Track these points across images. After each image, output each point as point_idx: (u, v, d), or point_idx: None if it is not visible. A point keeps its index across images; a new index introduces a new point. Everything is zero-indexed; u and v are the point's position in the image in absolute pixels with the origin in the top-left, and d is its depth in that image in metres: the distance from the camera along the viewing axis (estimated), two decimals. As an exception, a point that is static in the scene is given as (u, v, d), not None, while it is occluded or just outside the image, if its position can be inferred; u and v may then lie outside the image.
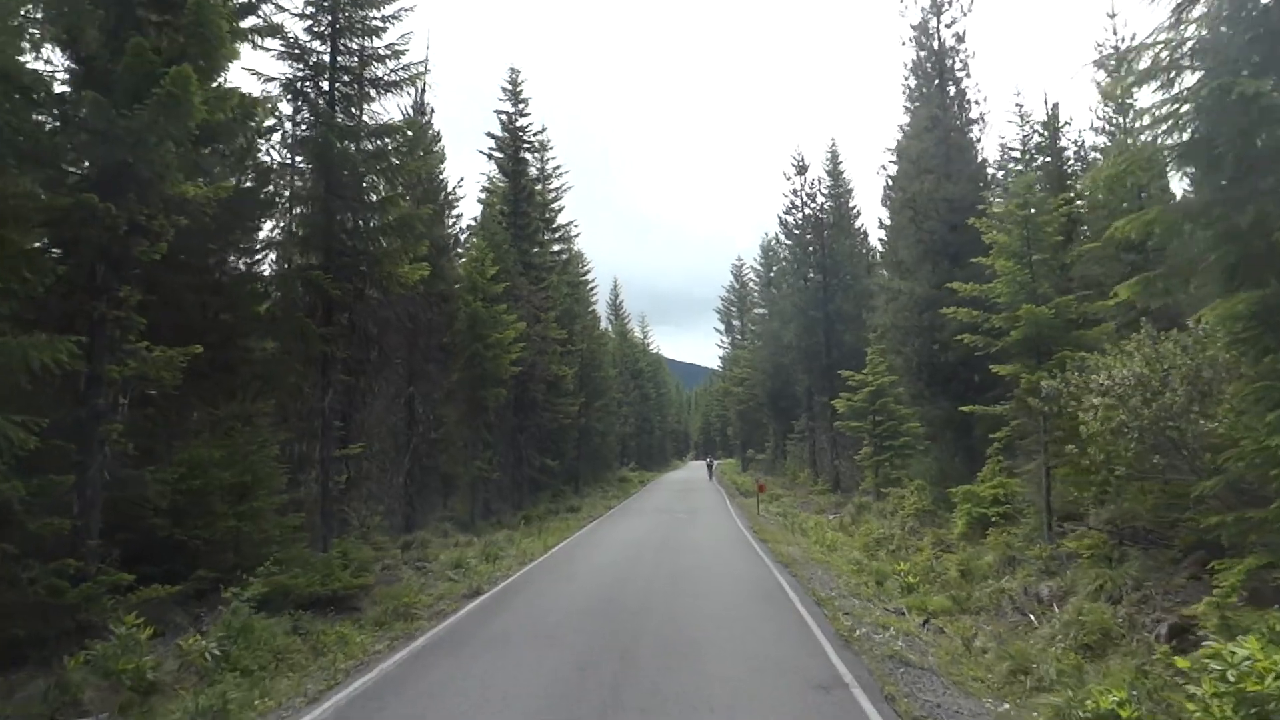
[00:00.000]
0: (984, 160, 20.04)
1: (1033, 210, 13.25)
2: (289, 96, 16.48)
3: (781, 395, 48.46)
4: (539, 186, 42.30)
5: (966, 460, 18.46)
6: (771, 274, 62.16)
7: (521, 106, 38.15)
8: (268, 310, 14.76)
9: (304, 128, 16.50)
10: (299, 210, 16.69)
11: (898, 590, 12.51)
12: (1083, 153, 18.40)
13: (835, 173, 41.06)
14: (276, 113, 15.98)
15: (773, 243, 63.42)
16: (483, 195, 36.80)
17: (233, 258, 16.05)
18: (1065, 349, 12.30)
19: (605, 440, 54.82)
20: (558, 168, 45.08)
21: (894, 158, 35.17)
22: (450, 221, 28.27)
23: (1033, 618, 10.23)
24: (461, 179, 34.76)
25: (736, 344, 70.82)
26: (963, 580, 12.29)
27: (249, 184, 15.54)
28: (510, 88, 37.94)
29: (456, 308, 26.28)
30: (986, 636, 9.81)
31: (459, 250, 27.94)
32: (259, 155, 15.92)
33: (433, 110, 26.12)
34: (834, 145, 40.83)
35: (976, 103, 21.79)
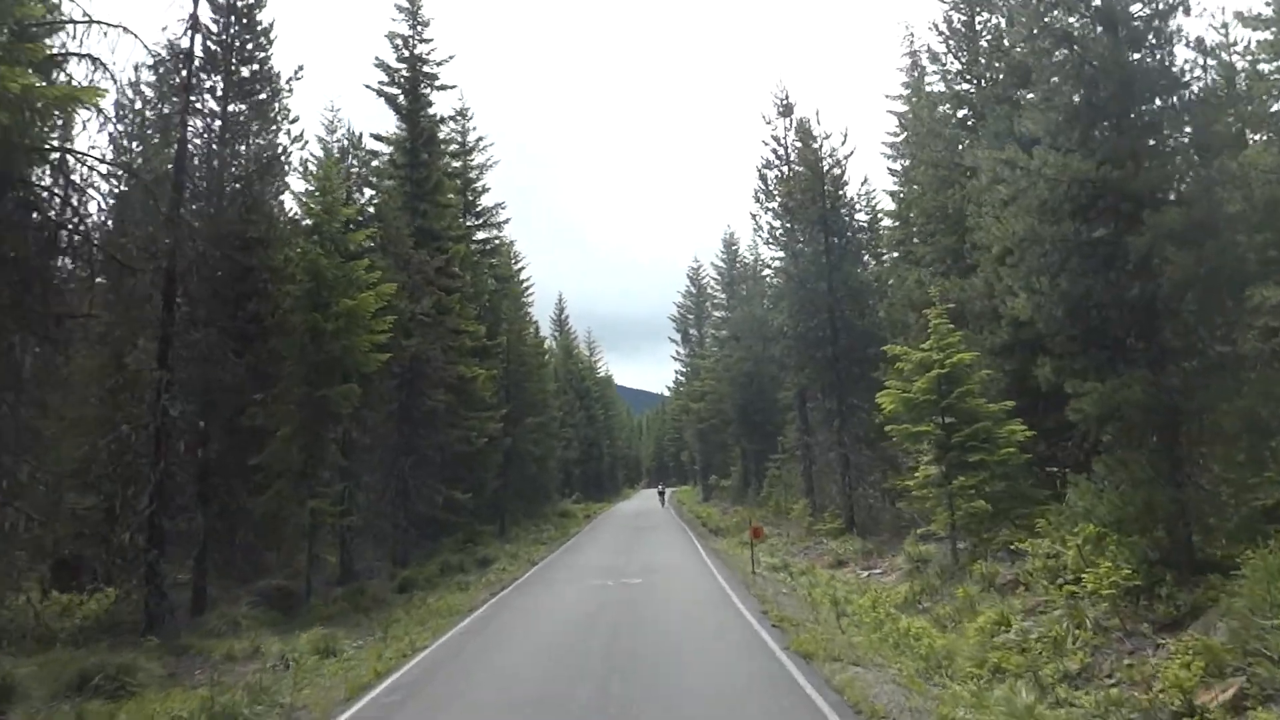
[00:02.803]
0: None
1: None
2: None
3: (755, 407, 39.53)
4: (450, 143, 33.30)
5: (1168, 484, 9.62)
6: (735, 270, 54.13)
7: (421, 30, 29.08)
8: None
9: None
10: None
11: None
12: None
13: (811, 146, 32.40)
14: None
15: (736, 235, 55.85)
16: (377, 146, 27.51)
17: None
18: None
19: (543, 466, 45.28)
20: (480, 139, 36.40)
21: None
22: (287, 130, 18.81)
23: None
24: (300, 68, 22.93)
25: (695, 355, 61.95)
26: None
27: None
28: (407, 4, 28.81)
29: (286, 259, 16.88)
30: None
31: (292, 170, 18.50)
32: None
33: None
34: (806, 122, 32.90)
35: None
